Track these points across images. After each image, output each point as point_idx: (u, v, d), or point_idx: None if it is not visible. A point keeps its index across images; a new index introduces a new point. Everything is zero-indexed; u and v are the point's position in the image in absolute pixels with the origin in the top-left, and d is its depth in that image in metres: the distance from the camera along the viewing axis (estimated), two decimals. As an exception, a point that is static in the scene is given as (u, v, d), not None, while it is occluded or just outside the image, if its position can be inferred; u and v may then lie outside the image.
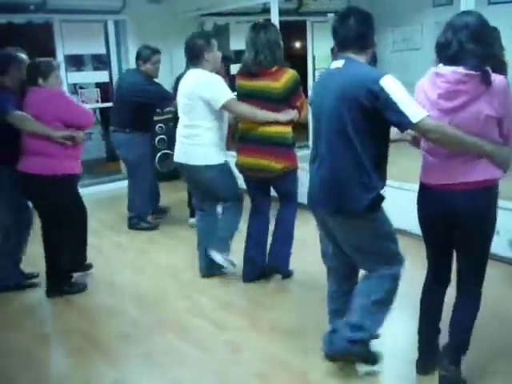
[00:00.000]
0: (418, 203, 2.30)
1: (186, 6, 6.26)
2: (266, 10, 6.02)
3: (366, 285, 2.43)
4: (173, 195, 5.37)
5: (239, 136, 3.36)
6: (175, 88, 4.66)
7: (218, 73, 3.35)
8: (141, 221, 4.71)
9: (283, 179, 3.28)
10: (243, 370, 2.57)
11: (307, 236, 4.03)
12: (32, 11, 5.56)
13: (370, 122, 2.13)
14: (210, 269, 3.57)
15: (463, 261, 2.26)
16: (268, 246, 3.50)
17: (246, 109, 3.16)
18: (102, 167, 7.10)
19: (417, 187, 2.33)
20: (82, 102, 5.97)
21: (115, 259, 4.09)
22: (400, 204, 2.92)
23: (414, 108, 2.06)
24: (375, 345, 2.49)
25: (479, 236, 2.22)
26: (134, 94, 4.38)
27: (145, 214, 4.75)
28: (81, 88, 6.69)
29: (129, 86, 4.48)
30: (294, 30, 7.83)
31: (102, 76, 6.52)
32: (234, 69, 6.12)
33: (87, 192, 4.95)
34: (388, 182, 2.35)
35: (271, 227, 3.50)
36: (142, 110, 4.43)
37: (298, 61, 7.26)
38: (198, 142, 3.27)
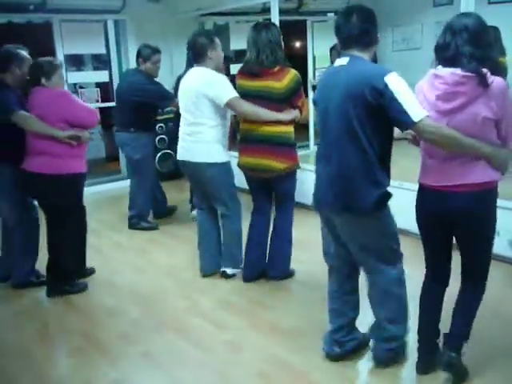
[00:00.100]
0: (416, 204, 2.31)
1: (186, 6, 6.26)
2: (265, 10, 6.02)
3: (378, 297, 2.45)
4: (173, 195, 5.36)
5: (241, 136, 3.36)
6: (176, 88, 4.68)
7: (220, 72, 3.34)
8: (141, 220, 4.70)
9: (284, 179, 3.28)
10: (243, 369, 2.57)
11: (305, 236, 4.03)
12: (32, 11, 5.56)
13: (376, 119, 2.14)
14: (212, 269, 3.59)
15: (466, 260, 2.28)
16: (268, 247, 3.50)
17: (249, 107, 3.16)
18: (102, 167, 7.10)
19: (416, 187, 2.33)
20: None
21: (115, 259, 4.09)
22: (400, 203, 2.92)
23: (416, 107, 2.06)
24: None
25: (479, 237, 2.22)
26: (135, 93, 4.38)
27: (146, 213, 4.75)
28: (81, 88, 6.69)
29: (129, 86, 4.49)
30: (294, 29, 7.83)
31: (102, 76, 6.52)
32: (234, 69, 6.13)
33: (87, 192, 4.87)
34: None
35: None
36: (143, 110, 4.43)
37: (298, 60, 7.26)
38: (202, 139, 3.27)
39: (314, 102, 2.42)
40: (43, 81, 3.21)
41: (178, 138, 3.47)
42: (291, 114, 3.19)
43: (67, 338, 3.01)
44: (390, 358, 2.50)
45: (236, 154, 3.44)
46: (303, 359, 2.61)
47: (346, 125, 2.17)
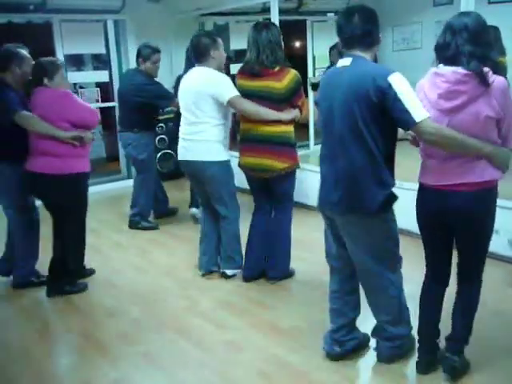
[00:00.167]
0: (417, 204, 2.31)
1: (186, 6, 6.26)
2: (265, 10, 6.01)
3: (376, 301, 2.47)
4: (173, 194, 5.36)
5: (241, 136, 3.36)
6: (176, 87, 4.68)
7: (221, 71, 3.34)
8: (142, 220, 4.71)
9: (283, 179, 3.27)
10: (243, 369, 2.56)
11: (305, 236, 4.04)
12: (32, 11, 5.55)
13: (380, 119, 2.14)
14: (211, 268, 3.61)
15: (463, 259, 2.28)
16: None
17: (250, 106, 3.16)
18: (102, 167, 7.10)
19: (416, 187, 2.33)
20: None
21: (115, 259, 4.09)
22: (400, 203, 2.92)
23: (418, 108, 2.06)
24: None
25: (479, 236, 2.23)
26: (136, 94, 4.40)
27: (147, 212, 4.76)
28: (81, 88, 6.69)
29: (130, 87, 4.50)
30: (294, 29, 7.83)
31: (102, 76, 6.52)
32: (234, 69, 6.13)
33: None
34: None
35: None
36: (145, 110, 4.44)
37: (298, 60, 7.26)
38: (203, 138, 3.27)
39: (317, 102, 2.41)
40: (45, 81, 3.21)
41: (178, 137, 3.47)
42: (291, 114, 3.19)
43: (67, 338, 3.01)
44: (393, 355, 2.50)
45: (236, 153, 3.44)
46: (303, 359, 2.61)
47: (350, 124, 2.17)
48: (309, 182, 4.56)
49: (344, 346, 2.54)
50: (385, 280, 2.39)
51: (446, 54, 2.09)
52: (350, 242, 2.37)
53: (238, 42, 6.58)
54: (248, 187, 3.54)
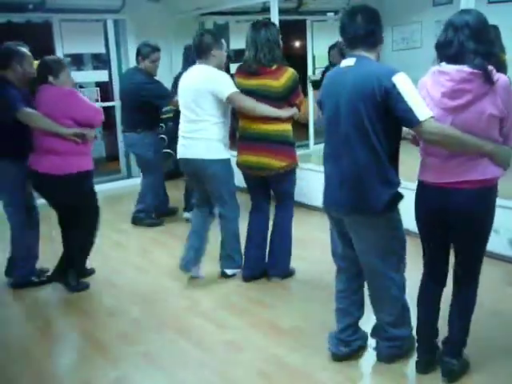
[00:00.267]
0: (416, 202, 2.30)
1: (186, 5, 6.26)
2: (265, 9, 6.01)
3: (379, 301, 2.47)
4: (173, 194, 5.35)
5: (239, 134, 3.36)
6: (174, 87, 4.69)
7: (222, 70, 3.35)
8: (147, 216, 4.75)
9: (283, 178, 3.27)
10: (244, 369, 2.56)
11: (305, 235, 4.05)
12: (31, 10, 5.55)
13: (385, 118, 2.14)
14: (190, 268, 3.55)
15: (461, 258, 2.27)
16: (267, 246, 3.49)
17: (249, 102, 3.15)
18: (102, 167, 7.10)
19: (415, 185, 2.32)
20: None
21: (115, 259, 4.09)
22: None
23: (421, 107, 2.07)
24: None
25: (478, 235, 2.23)
26: (137, 93, 4.41)
27: (152, 209, 4.79)
28: (80, 87, 6.68)
29: (129, 86, 4.52)
30: (294, 29, 7.83)
31: (102, 75, 6.52)
32: (234, 68, 6.12)
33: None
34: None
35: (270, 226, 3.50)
36: (147, 109, 4.44)
37: (298, 60, 7.27)
38: (204, 136, 3.26)
39: (319, 102, 2.41)
40: (51, 79, 3.22)
41: (177, 137, 3.47)
42: (290, 111, 3.20)
43: (67, 338, 3.01)
44: (393, 354, 2.51)
45: (235, 152, 3.44)
46: (304, 359, 2.61)
47: (356, 123, 2.17)
48: (309, 181, 4.57)
49: (350, 346, 2.54)
50: (388, 280, 2.39)
51: (448, 51, 2.08)
52: (356, 241, 2.37)
53: (238, 42, 6.57)
54: (246, 186, 3.53)
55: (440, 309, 2.38)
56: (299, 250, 3.67)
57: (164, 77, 4.88)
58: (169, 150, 5.98)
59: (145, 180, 4.78)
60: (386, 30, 7.35)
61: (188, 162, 3.37)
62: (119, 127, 6.25)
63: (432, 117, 2.06)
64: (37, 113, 3.16)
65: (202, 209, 3.55)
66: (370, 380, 2.53)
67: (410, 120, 2.08)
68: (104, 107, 6.35)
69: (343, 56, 2.32)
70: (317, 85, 5.42)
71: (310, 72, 7.51)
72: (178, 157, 3.44)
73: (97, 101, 6.30)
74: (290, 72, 3.14)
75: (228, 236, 3.52)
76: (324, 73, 5.64)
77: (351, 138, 2.20)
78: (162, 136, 6.13)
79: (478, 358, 2.47)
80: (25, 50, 3.36)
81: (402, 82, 2.09)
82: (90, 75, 6.90)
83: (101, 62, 7.16)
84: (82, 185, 3.34)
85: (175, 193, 5.44)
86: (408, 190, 2.30)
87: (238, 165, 3.36)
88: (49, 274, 3.61)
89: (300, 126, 6.85)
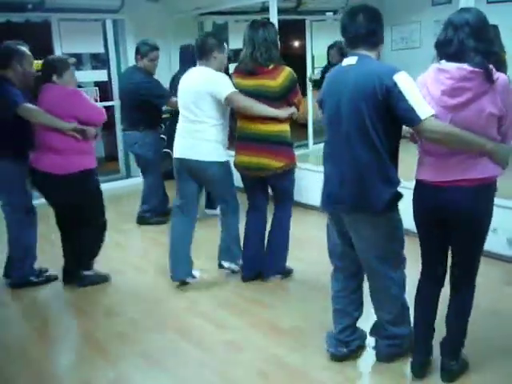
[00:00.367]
0: (414, 201, 2.29)
1: (185, 5, 6.25)
2: (264, 9, 6.00)
3: (379, 300, 2.48)
4: (171, 194, 5.34)
5: (237, 134, 3.36)
6: (171, 86, 4.69)
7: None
8: (153, 215, 4.77)
9: (281, 178, 3.27)
10: (243, 369, 2.57)
11: (303, 234, 4.05)
12: (30, 10, 5.54)
13: (385, 117, 2.15)
14: (183, 276, 3.48)
15: (459, 257, 2.26)
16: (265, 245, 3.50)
17: (248, 102, 3.15)
18: (101, 167, 7.06)
19: (413, 185, 2.32)
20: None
21: (115, 259, 4.09)
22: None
23: (423, 106, 2.07)
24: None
25: (477, 233, 2.22)
26: (135, 92, 4.41)
27: (157, 208, 4.80)
28: (79, 87, 6.65)
29: (128, 85, 4.53)
30: (293, 28, 7.83)
31: (101, 75, 6.52)
32: (233, 68, 6.13)
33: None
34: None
35: (268, 225, 3.50)
36: (146, 108, 4.44)
37: (297, 60, 7.26)
38: (203, 137, 3.26)
39: (321, 101, 2.41)
40: (54, 78, 3.23)
41: (173, 137, 3.47)
42: (289, 111, 3.19)
43: (66, 338, 3.01)
44: (393, 353, 2.51)
45: (233, 152, 3.44)
46: (303, 358, 2.61)
47: (357, 122, 2.17)
48: (307, 180, 4.57)
49: (349, 346, 2.55)
50: (388, 279, 2.39)
51: (448, 50, 2.07)
52: (356, 239, 2.37)
53: (237, 42, 6.57)
54: (244, 186, 3.53)
55: (437, 309, 2.37)
56: (297, 249, 3.68)
57: (163, 76, 4.88)
58: (167, 150, 5.99)
59: (146, 180, 4.78)
60: (385, 30, 7.33)
61: (186, 162, 3.36)
62: (118, 127, 6.26)
63: (433, 115, 2.06)
64: (37, 108, 3.17)
65: (186, 213, 3.46)
66: (369, 380, 2.54)
67: (412, 119, 2.08)
68: (103, 107, 6.39)
69: (343, 55, 2.32)
70: (317, 84, 5.42)
71: (309, 71, 7.51)
72: (175, 156, 3.41)
73: (96, 101, 6.29)
74: (287, 71, 3.14)
75: (229, 230, 3.53)
76: (323, 72, 5.65)
77: (352, 137, 2.20)
78: (162, 136, 6.14)
79: (477, 358, 2.47)
80: (25, 49, 3.36)
81: (403, 81, 2.09)
82: (89, 75, 6.90)
83: (100, 61, 7.15)
84: (86, 183, 3.35)
85: (174, 192, 5.44)
86: (407, 189, 2.30)
87: (236, 165, 3.35)
88: (48, 274, 3.61)
89: (299, 125, 6.85)
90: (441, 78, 2.08)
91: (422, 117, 2.05)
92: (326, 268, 2.64)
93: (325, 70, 5.57)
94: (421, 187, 2.25)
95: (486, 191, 2.16)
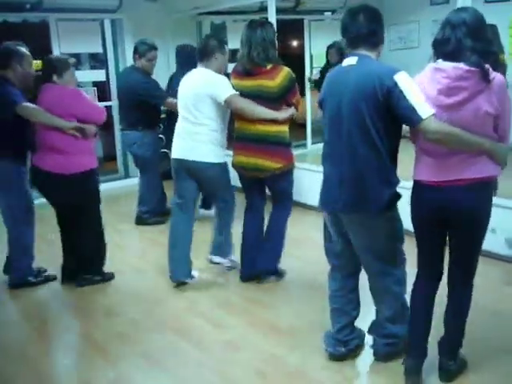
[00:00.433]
0: (413, 202, 2.28)
1: (183, 5, 6.25)
2: (263, 9, 6.00)
3: (379, 296, 2.48)
4: (170, 194, 5.34)
5: (235, 135, 3.36)
6: (168, 87, 4.69)
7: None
8: (152, 215, 4.78)
9: (279, 179, 3.26)
10: (242, 369, 2.57)
11: (301, 234, 4.05)
12: (28, 10, 5.54)
13: (386, 117, 2.15)
14: (183, 276, 3.49)
15: (458, 256, 2.26)
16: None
17: (247, 104, 3.15)
18: (99, 167, 7.06)
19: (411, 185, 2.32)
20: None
21: (114, 259, 4.07)
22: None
23: (424, 105, 2.07)
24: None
25: (477, 232, 2.22)
26: (133, 91, 4.41)
27: (155, 208, 4.80)
28: (78, 87, 6.66)
29: (126, 85, 4.53)
30: (292, 28, 7.82)
31: (99, 75, 6.52)
32: (231, 68, 6.13)
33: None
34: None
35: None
36: (144, 108, 4.44)
37: (295, 59, 7.26)
38: (203, 139, 3.27)
39: (321, 101, 2.41)
40: (55, 78, 3.23)
41: (171, 137, 3.47)
42: (288, 112, 3.19)
43: (66, 338, 3.01)
44: (390, 352, 2.51)
45: (231, 152, 3.44)
46: (302, 358, 2.62)
47: (358, 123, 2.18)
48: (305, 180, 4.57)
49: (348, 345, 2.55)
50: (388, 279, 2.40)
51: (445, 49, 2.08)
52: (355, 239, 2.37)
53: (236, 42, 6.56)
54: (242, 186, 3.53)
55: (433, 311, 2.35)
56: (295, 249, 3.68)
57: (161, 76, 4.88)
58: (165, 150, 5.99)
59: (142, 180, 4.78)
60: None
61: (184, 162, 3.36)
62: (117, 127, 6.25)
63: (433, 114, 2.06)
64: (37, 107, 3.18)
65: (185, 212, 3.47)
66: (368, 379, 2.54)
67: (412, 118, 2.08)
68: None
69: (342, 55, 2.32)
70: (317, 85, 5.42)
71: (307, 71, 7.51)
72: (174, 156, 3.42)
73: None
74: (285, 71, 3.13)
75: (223, 227, 3.57)
76: (322, 72, 5.66)
77: (353, 137, 2.20)
78: (161, 136, 6.14)
79: (475, 357, 2.47)
80: (24, 50, 3.36)
81: (403, 81, 2.10)
82: (87, 75, 6.90)
83: (98, 61, 7.14)
84: (86, 183, 3.35)
85: (172, 193, 5.44)
86: (406, 189, 2.30)
87: (234, 165, 3.35)
88: (46, 274, 3.61)
89: (297, 125, 6.85)
90: (437, 77, 2.08)
91: (423, 116, 2.06)
92: (324, 267, 2.64)
93: (323, 70, 5.58)
94: (419, 187, 2.25)
95: (485, 191, 2.16)
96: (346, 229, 2.38)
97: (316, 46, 7.50)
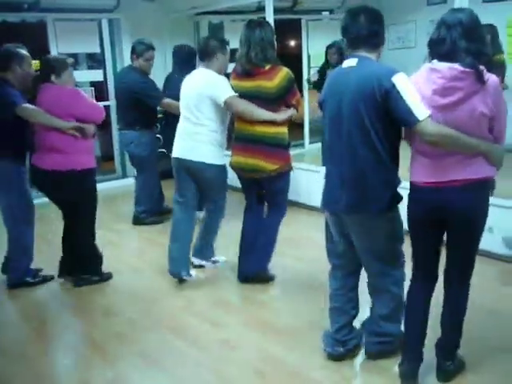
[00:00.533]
0: (410, 204, 2.27)
1: (181, 5, 6.25)
2: (260, 9, 6.01)
3: (376, 295, 2.49)
4: (168, 194, 5.35)
5: (235, 135, 3.36)
6: (165, 87, 4.70)
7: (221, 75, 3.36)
8: (149, 215, 4.77)
9: (275, 180, 3.24)
10: (239, 368, 2.57)
11: (296, 234, 4.05)
12: (26, 10, 5.54)
13: (385, 118, 2.16)
14: (180, 270, 3.51)
15: (455, 256, 2.26)
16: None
17: (246, 106, 3.14)
18: (97, 167, 7.07)
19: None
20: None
21: (111, 258, 4.07)
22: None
23: (420, 108, 2.07)
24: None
25: (473, 232, 2.22)
26: (130, 91, 4.42)
27: (154, 207, 4.80)
28: (75, 87, 6.66)
29: (123, 85, 4.54)
30: (289, 28, 7.83)
31: (97, 75, 6.51)
32: (229, 68, 6.12)
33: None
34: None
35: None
36: (142, 107, 4.44)
37: (293, 59, 7.27)
38: (203, 140, 3.28)
39: (322, 102, 2.41)
40: (53, 78, 3.23)
41: (169, 137, 3.47)
42: (287, 113, 3.18)
43: (64, 338, 3.01)
44: (382, 350, 2.51)
45: (230, 152, 3.44)
46: (299, 357, 2.62)
47: (358, 124, 2.18)
48: (302, 180, 4.57)
49: (346, 345, 2.55)
50: (388, 278, 2.41)
51: (440, 49, 2.08)
52: (356, 239, 2.38)
53: (234, 42, 6.57)
54: (241, 186, 3.53)
55: (429, 312, 2.34)
56: (290, 248, 3.68)
57: (158, 76, 4.88)
58: (163, 150, 5.98)
59: (139, 180, 4.78)
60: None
61: (184, 162, 3.37)
62: (114, 126, 6.25)
63: (430, 116, 2.07)
64: (36, 108, 3.18)
65: (186, 210, 3.50)
66: (366, 379, 2.53)
67: (409, 120, 2.09)
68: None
69: (341, 56, 2.33)
70: (317, 86, 5.41)
71: (305, 71, 7.52)
72: (174, 156, 3.44)
73: (92, 100, 6.29)
74: (284, 72, 3.12)
75: (208, 228, 3.61)
76: (320, 72, 5.64)
77: (353, 138, 2.21)
78: (158, 136, 6.13)
79: (473, 357, 2.47)
80: (24, 52, 3.38)
81: (401, 82, 2.10)
82: (85, 75, 6.87)
83: (95, 61, 7.14)
84: (84, 182, 3.36)
85: (171, 192, 5.44)
86: (406, 189, 2.30)
87: (232, 165, 3.35)
88: (44, 274, 3.60)
89: (295, 125, 6.85)
90: (432, 78, 2.08)
91: (420, 118, 2.06)
92: (323, 267, 2.65)
93: (322, 70, 5.57)
94: (416, 188, 2.25)
95: (481, 191, 2.17)
96: (347, 229, 2.38)
97: (314, 46, 7.51)
